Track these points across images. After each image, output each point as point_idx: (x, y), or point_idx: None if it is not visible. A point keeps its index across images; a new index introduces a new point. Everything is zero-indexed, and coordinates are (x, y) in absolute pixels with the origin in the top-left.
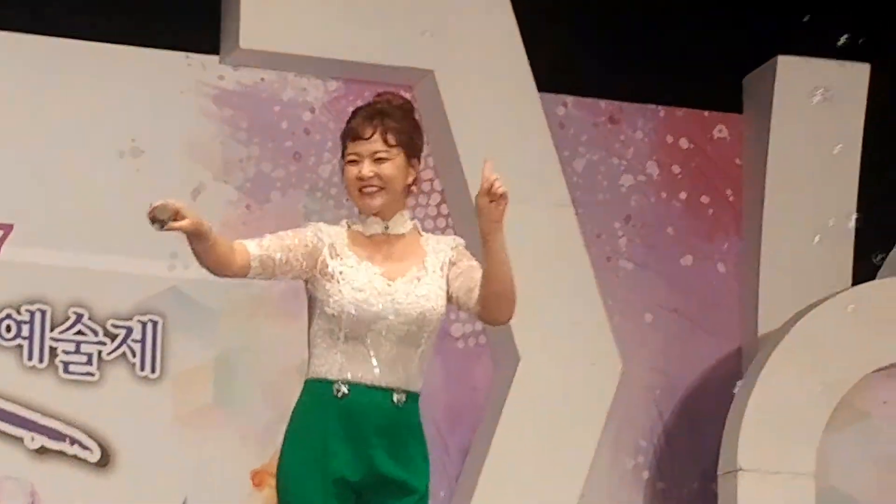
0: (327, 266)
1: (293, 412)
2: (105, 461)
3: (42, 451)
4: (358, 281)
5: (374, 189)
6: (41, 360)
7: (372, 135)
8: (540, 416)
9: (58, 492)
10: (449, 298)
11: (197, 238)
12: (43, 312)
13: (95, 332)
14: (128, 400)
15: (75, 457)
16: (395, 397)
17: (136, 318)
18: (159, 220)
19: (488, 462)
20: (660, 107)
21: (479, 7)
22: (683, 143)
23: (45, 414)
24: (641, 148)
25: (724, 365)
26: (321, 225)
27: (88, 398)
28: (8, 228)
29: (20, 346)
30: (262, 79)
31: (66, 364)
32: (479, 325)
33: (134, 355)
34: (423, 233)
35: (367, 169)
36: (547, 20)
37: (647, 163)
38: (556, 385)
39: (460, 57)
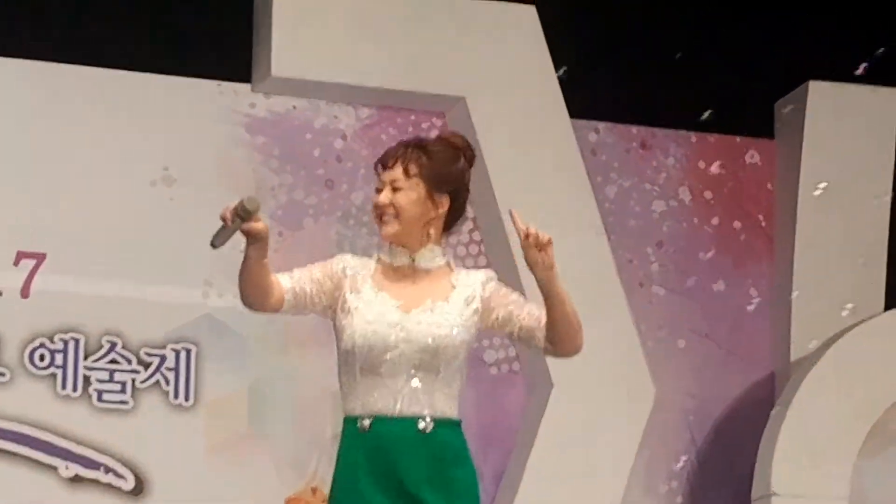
0: (346, 301)
1: (336, 456)
2: (139, 489)
3: (76, 479)
4: (370, 313)
5: (389, 217)
6: (75, 389)
7: (394, 164)
8: (573, 442)
9: None
10: (508, 332)
11: (259, 250)
12: (76, 341)
13: (129, 361)
14: (162, 428)
15: (109, 485)
16: (421, 425)
17: (170, 346)
18: (247, 210)
19: (522, 488)
20: (692, 133)
21: (510, 33)
22: (715, 168)
23: (79, 442)
24: (673, 174)
25: (756, 390)
26: (347, 257)
27: (122, 426)
28: (41, 257)
29: (54, 375)
30: (294, 106)
31: (99, 392)
32: (512, 352)
33: (167, 383)
34: (454, 268)
35: (383, 196)
36: (578, 46)
37: (679, 188)
38: (590, 411)
39: (492, 84)
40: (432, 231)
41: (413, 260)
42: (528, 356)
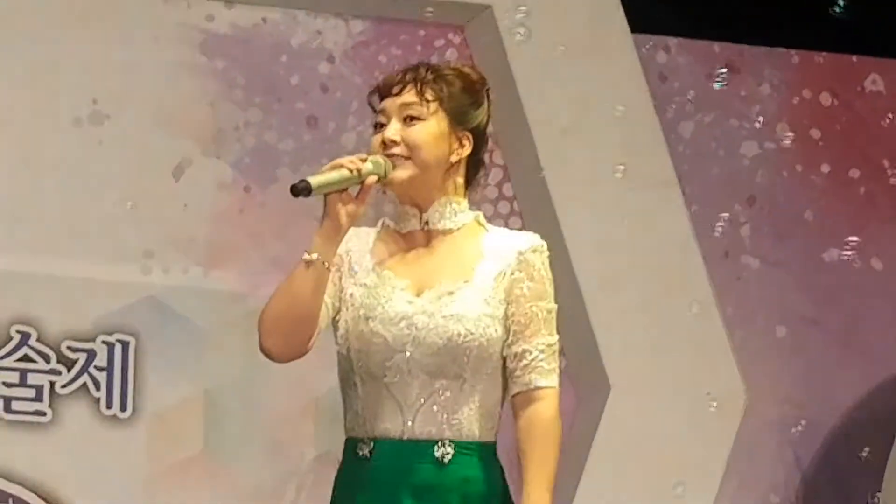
0: (342, 290)
1: (333, 484)
2: None
3: None
4: (367, 303)
5: (400, 158)
6: None
7: (403, 88)
8: (639, 464)
9: None
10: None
11: (336, 245)
12: None
13: (47, 358)
14: (89, 446)
15: None
16: (438, 452)
17: (101, 338)
18: (386, 171)
19: None
20: (793, 51)
21: None
22: (825, 98)
23: None
24: (769, 106)
25: (881, 394)
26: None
27: (37, 444)
28: None
29: None
30: (264, 19)
31: (7, 400)
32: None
33: (98, 388)
34: (489, 227)
35: (391, 130)
36: None
37: (777, 126)
38: (659, 423)
39: None
40: (458, 179)
41: (426, 222)
42: (578, 350)
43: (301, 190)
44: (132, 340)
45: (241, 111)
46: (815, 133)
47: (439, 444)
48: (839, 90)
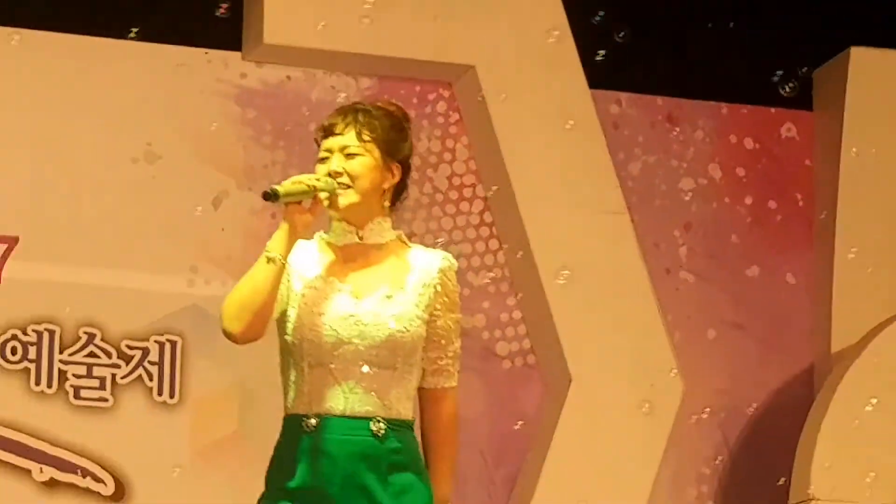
0: (291, 290)
1: (271, 456)
2: (120, 494)
3: (52, 483)
4: (320, 304)
5: (343, 186)
6: (50, 385)
7: (344, 129)
8: (594, 443)
9: None
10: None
11: (293, 244)
12: (51, 333)
13: (109, 354)
14: (144, 428)
15: (87, 490)
16: (373, 426)
17: (153, 338)
18: (324, 191)
19: (538, 494)
20: (722, 104)
21: None
22: (748, 143)
23: (54, 444)
24: (703, 149)
25: (794, 385)
26: None
27: (101, 426)
28: (13, 241)
29: (27, 370)
30: (289, 77)
31: (76, 389)
32: (526, 343)
33: (150, 379)
34: (411, 244)
35: (335, 163)
36: (599, 10)
37: (708, 165)
38: (612, 408)
39: (504, 51)
40: (386, 203)
41: (360, 237)
42: (544, 348)
43: (271, 195)
44: (179, 340)
45: (269, 152)
46: (741, 171)
47: (374, 420)
48: (760, 136)
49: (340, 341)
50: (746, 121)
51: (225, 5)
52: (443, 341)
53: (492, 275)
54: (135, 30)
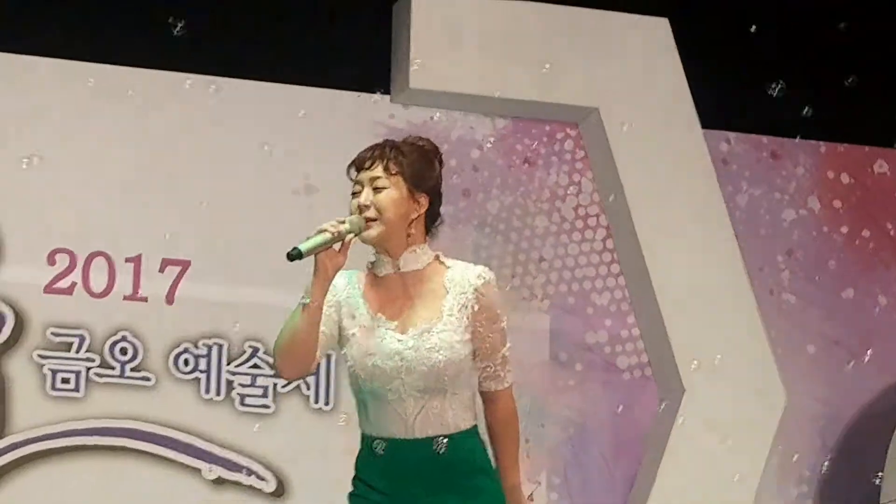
0: (344, 328)
1: (355, 463)
2: (280, 491)
3: (219, 481)
4: (368, 343)
5: (370, 220)
6: (218, 393)
7: (372, 164)
8: (705, 447)
9: None
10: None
11: (326, 290)
12: (220, 346)
13: (271, 366)
14: (302, 432)
15: (251, 487)
16: (434, 446)
17: None
18: (358, 227)
19: (654, 492)
20: (821, 143)
21: (643, 44)
22: (844, 178)
23: (222, 446)
24: (803, 183)
25: (886, 396)
26: (335, 281)
27: (264, 430)
28: (186, 265)
29: (198, 380)
30: (432, 117)
31: (242, 397)
32: (644, 357)
33: (308, 388)
34: (448, 263)
35: (363, 196)
36: (710, 57)
37: (808, 197)
38: (721, 416)
39: (625, 94)
40: (413, 231)
41: (398, 267)
42: (660, 362)
43: (294, 256)
44: (333, 354)
45: None
46: (837, 203)
47: (434, 439)
48: (855, 171)
49: (389, 377)
50: (842, 158)
51: None
52: (490, 350)
53: (613, 296)
54: (299, 75)
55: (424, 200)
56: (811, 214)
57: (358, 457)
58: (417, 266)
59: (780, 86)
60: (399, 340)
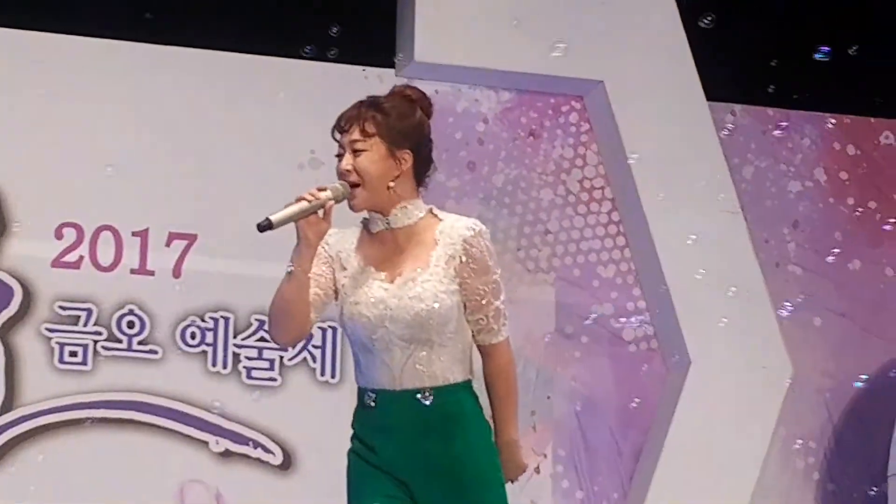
0: (337, 281)
1: (353, 414)
2: (287, 464)
3: (226, 454)
4: (355, 293)
5: (354, 185)
6: (225, 366)
7: (350, 127)
8: (711, 419)
9: (242, 494)
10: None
11: (312, 257)
12: (226, 320)
13: None
14: (309, 404)
15: (258, 460)
16: (420, 397)
17: (316, 324)
18: (343, 194)
19: (661, 464)
20: (827, 114)
21: (647, 17)
22: (850, 149)
23: (229, 418)
24: (809, 155)
25: (892, 366)
26: (330, 233)
27: (271, 403)
28: (192, 238)
29: (204, 353)
30: (437, 91)
31: (248, 370)
32: (650, 329)
33: (314, 361)
34: (442, 216)
35: (344, 162)
36: (714, 29)
37: (814, 169)
38: (727, 388)
39: (630, 67)
40: (399, 189)
41: (388, 223)
42: (666, 334)
43: (265, 227)
44: (339, 326)
45: None
46: (843, 175)
47: (421, 391)
48: (861, 143)
49: (374, 326)
50: (848, 130)
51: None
52: (482, 302)
53: (618, 268)
54: (305, 49)
55: (407, 156)
56: (817, 186)
57: (354, 411)
58: (409, 221)
59: (783, 57)
60: (385, 289)
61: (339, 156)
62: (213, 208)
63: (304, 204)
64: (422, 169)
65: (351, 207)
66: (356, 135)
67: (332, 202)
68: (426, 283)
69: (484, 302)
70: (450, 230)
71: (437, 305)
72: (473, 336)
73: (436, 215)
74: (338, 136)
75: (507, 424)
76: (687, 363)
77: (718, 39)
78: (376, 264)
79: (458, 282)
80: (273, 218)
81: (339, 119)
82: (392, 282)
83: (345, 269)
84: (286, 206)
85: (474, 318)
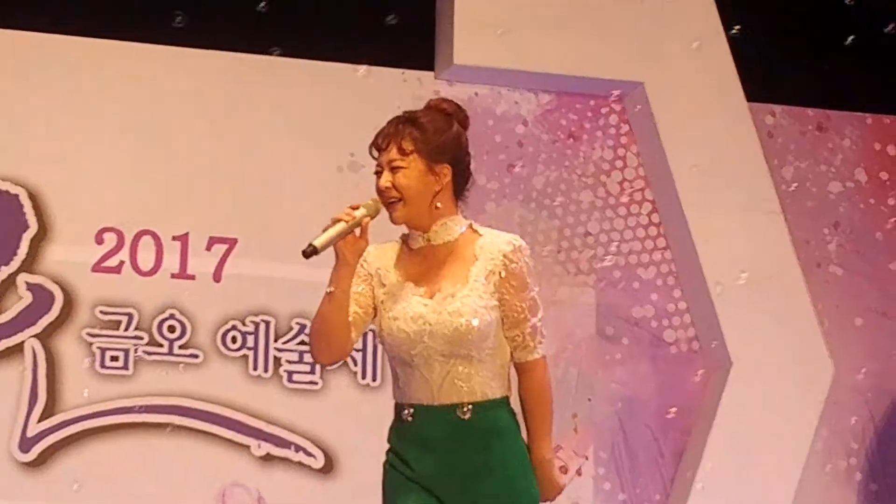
0: (376, 297)
1: (388, 430)
2: (329, 468)
3: (268, 458)
4: (394, 308)
5: (393, 201)
6: (266, 370)
7: (388, 145)
8: (753, 419)
9: (283, 497)
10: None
11: (351, 276)
12: (267, 323)
13: None
14: (350, 407)
15: (300, 463)
16: (459, 413)
17: None
18: (376, 210)
19: (703, 465)
20: (867, 114)
21: (687, 19)
22: (891, 149)
23: (270, 422)
24: (849, 155)
25: None
26: (369, 250)
27: (312, 406)
28: (233, 242)
29: (245, 357)
30: (476, 93)
31: (290, 373)
32: (691, 331)
33: (355, 364)
34: (482, 231)
35: (383, 179)
36: (755, 30)
37: (855, 170)
38: (769, 388)
39: (670, 68)
40: (440, 204)
41: (428, 239)
42: (707, 335)
43: (310, 253)
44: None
45: None
46: (884, 175)
47: (459, 406)
48: None
49: (414, 342)
50: (889, 129)
51: None
52: (519, 318)
53: (659, 269)
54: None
55: (446, 171)
56: (857, 186)
57: (390, 427)
58: (449, 238)
59: (823, 57)
60: (424, 304)
61: (378, 173)
62: (253, 212)
63: (342, 225)
64: (461, 182)
65: (392, 220)
66: (394, 153)
67: (367, 219)
68: (466, 299)
69: (521, 318)
70: (489, 246)
71: (476, 321)
72: (510, 352)
73: (476, 231)
74: (375, 153)
75: (541, 442)
76: (728, 364)
77: (758, 40)
78: (415, 280)
79: (496, 297)
80: (317, 243)
81: (377, 137)
82: (431, 297)
83: (384, 284)
84: (325, 230)
85: (511, 334)
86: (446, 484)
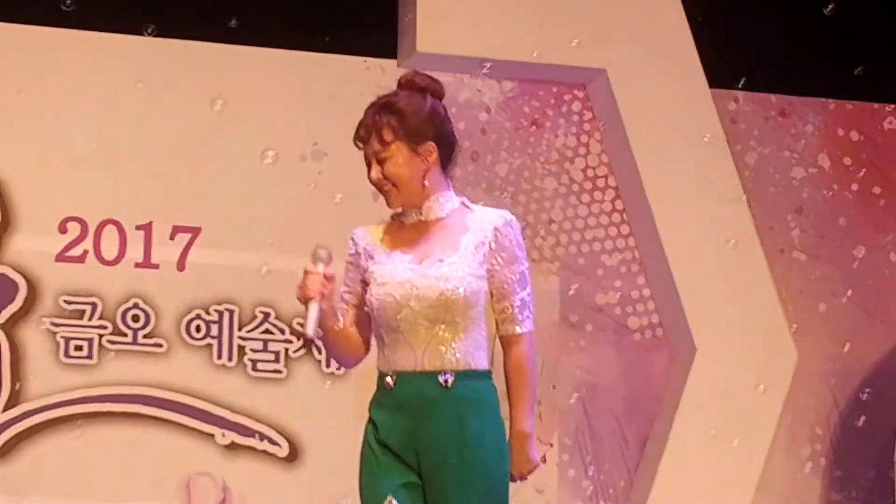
0: (367, 272)
1: (369, 404)
2: (293, 456)
3: (233, 446)
4: (382, 274)
5: (387, 190)
6: (230, 359)
7: (369, 136)
8: (717, 406)
9: (248, 486)
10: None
11: (332, 317)
12: (231, 312)
13: (282, 331)
14: (314, 396)
15: (265, 452)
16: (441, 379)
17: None
18: (328, 258)
19: (667, 452)
20: (830, 100)
21: (649, 5)
22: (854, 135)
23: (234, 411)
24: (812, 141)
25: None
26: (356, 231)
27: (276, 394)
28: (196, 231)
29: (210, 346)
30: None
31: (254, 362)
32: (655, 318)
33: (319, 352)
34: (473, 207)
35: (373, 172)
36: (717, 16)
37: (818, 155)
38: (733, 375)
39: (632, 55)
40: (428, 181)
41: (421, 215)
42: (671, 322)
43: (310, 340)
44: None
45: None
46: (847, 160)
47: (442, 373)
48: (864, 129)
49: (400, 306)
50: (852, 115)
51: None
52: (505, 292)
53: (623, 256)
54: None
55: (431, 148)
56: (821, 172)
57: (371, 398)
58: (441, 213)
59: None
60: (412, 269)
61: (368, 164)
62: (216, 201)
63: (314, 304)
64: (447, 153)
65: (389, 206)
66: (377, 145)
67: (322, 266)
68: (454, 265)
69: (509, 291)
70: (481, 219)
71: (462, 286)
72: (499, 325)
73: (467, 206)
74: (360, 144)
75: (521, 416)
76: (692, 351)
77: (720, 26)
78: (405, 249)
79: (486, 268)
80: (310, 331)
81: (358, 129)
82: (420, 263)
83: (372, 257)
84: (307, 314)
85: (500, 306)
86: (418, 450)
